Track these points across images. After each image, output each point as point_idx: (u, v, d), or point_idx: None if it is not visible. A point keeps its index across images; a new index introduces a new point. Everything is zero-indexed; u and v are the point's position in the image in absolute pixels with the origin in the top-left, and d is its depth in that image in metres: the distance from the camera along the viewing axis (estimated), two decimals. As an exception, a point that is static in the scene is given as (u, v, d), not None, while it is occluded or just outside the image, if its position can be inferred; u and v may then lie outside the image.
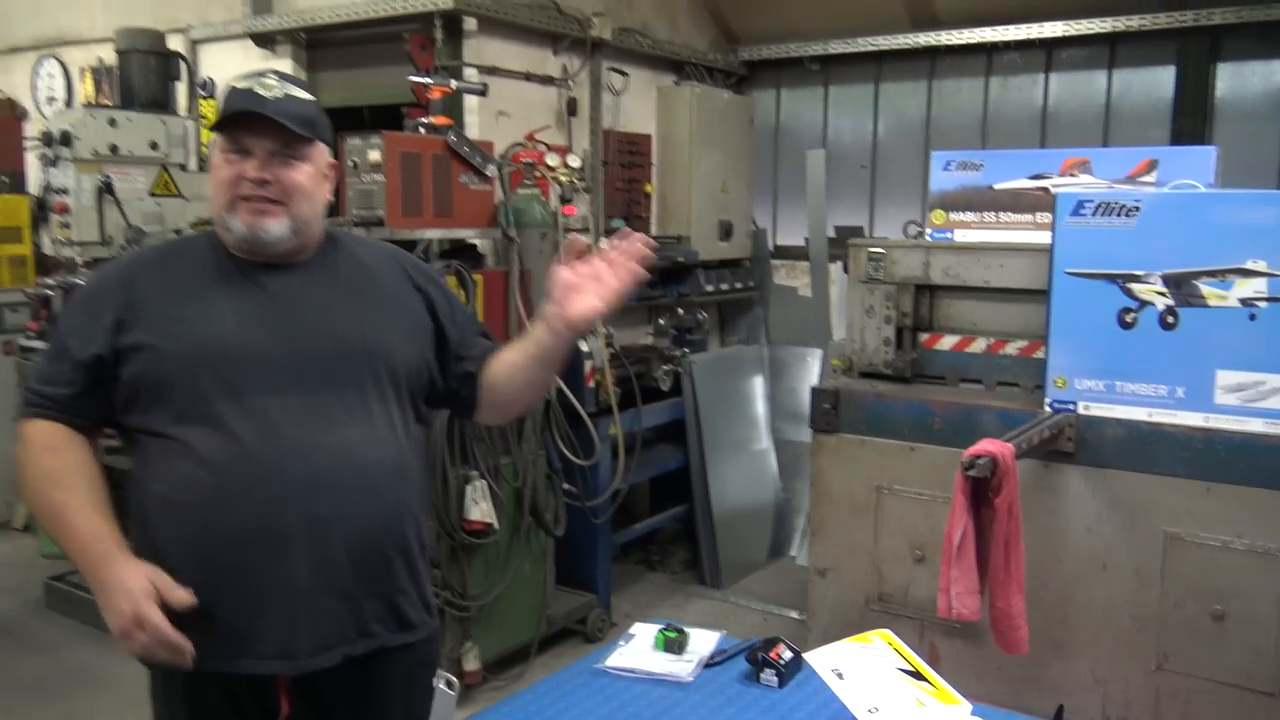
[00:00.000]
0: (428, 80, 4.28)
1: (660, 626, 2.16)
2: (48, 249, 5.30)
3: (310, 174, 1.82)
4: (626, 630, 2.23)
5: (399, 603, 1.87)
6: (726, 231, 5.94)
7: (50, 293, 5.29)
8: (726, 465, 5.34)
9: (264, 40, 5.25)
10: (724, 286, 5.88)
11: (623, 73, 5.44)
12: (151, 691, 1.94)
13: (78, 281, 5.20)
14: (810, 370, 5.88)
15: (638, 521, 5.18)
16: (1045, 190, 3.87)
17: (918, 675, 1.65)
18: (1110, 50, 5.35)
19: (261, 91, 1.77)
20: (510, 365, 1.99)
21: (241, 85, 1.80)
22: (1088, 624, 3.46)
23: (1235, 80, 5.10)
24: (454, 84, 4.30)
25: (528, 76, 4.92)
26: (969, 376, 3.91)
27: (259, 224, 1.77)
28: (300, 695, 1.81)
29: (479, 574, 3.88)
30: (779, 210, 6.52)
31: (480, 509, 3.76)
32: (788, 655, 1.99)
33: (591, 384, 4.46)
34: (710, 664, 2.06)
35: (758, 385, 5.77)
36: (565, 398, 4.28)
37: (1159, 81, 5.26)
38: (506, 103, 4.80)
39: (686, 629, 2.16)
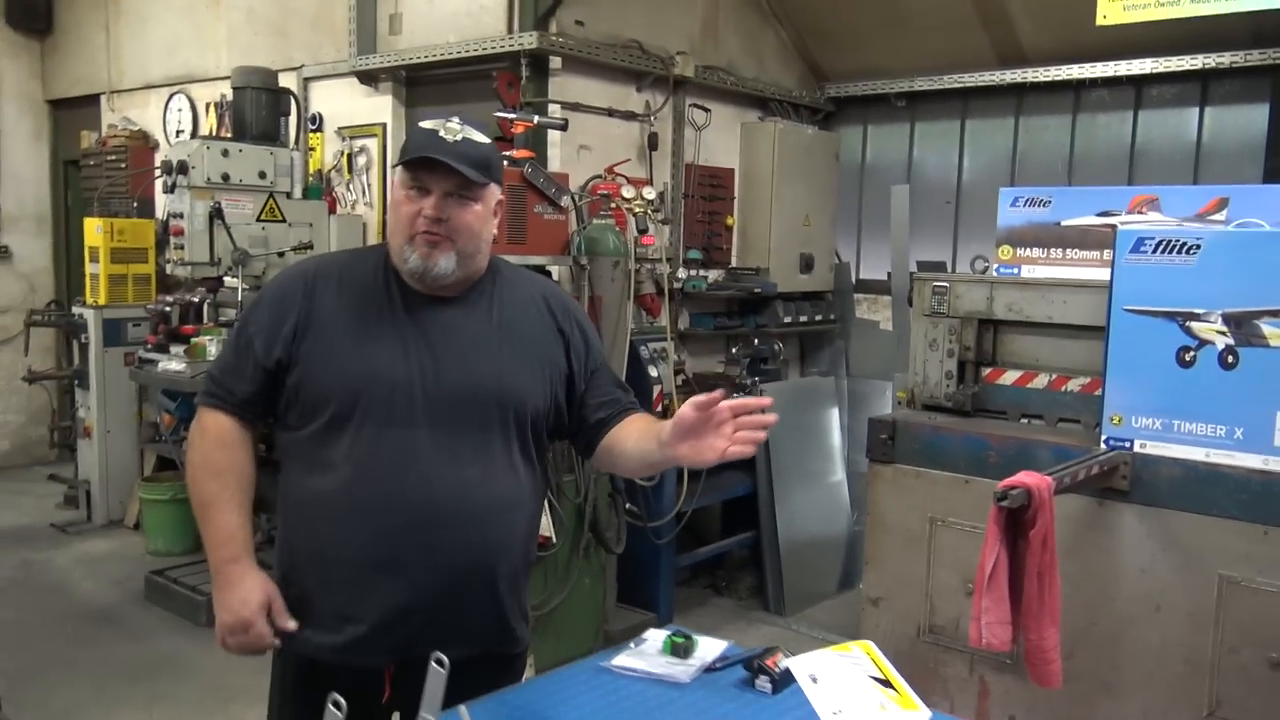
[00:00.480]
0: (512, 115, 4.51)
1: (670, 632, 2.26)
2: (170, 270, 5.73)
3: (479, 213, 1.97)
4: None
5: (503, 620, 2.08)
6: (808, 264, 6.02)
7: (168, 309, 5.72)
8: (796, 494, 5.39)
9: (368, 78, 5.60)
10: (803, 318, 5.95)
11: (705, 109, 5.59)
12: (273, 673, 2.16)
13: (193, 300, 5.62)
14: (890, 403, 5.88)
15: (706, 545, 5.26)
16: (1112, 227, 3.84)
17: (886, 683, 1.73)
18: (1202, 87, 5.26)
19: (444, 135, 1.93)
20: (624, 450, 2.10)
21: (427, 126, 1.97)
22: (1139, 666, 3.39)
23: (1334, 118, 4.96)
24: (536, 119, 4.52)
25: (610, 112, 5.12)
26: (1030, 412, 3.89)
27: (431, 258, 1.94)
28: (401, 686, 1.97)
29: (538, 585, 4.03)
30: (863, 244, 6.56)
31: (541, 524, 3.91)
32: (784, 664, 2.07)
33: (660, 408, 4.59)
34: (710, 669, 2.15)
35: (832, 417, 5.81)
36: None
37: (1252, 119, 5.14)
38: (589, 137, 5.01)
39: (695, 636, 2.25)
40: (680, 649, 2.20)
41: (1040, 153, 5.79)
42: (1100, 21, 4.06)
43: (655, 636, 2.28)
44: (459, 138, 1.94)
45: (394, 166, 2.08)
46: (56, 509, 6.84)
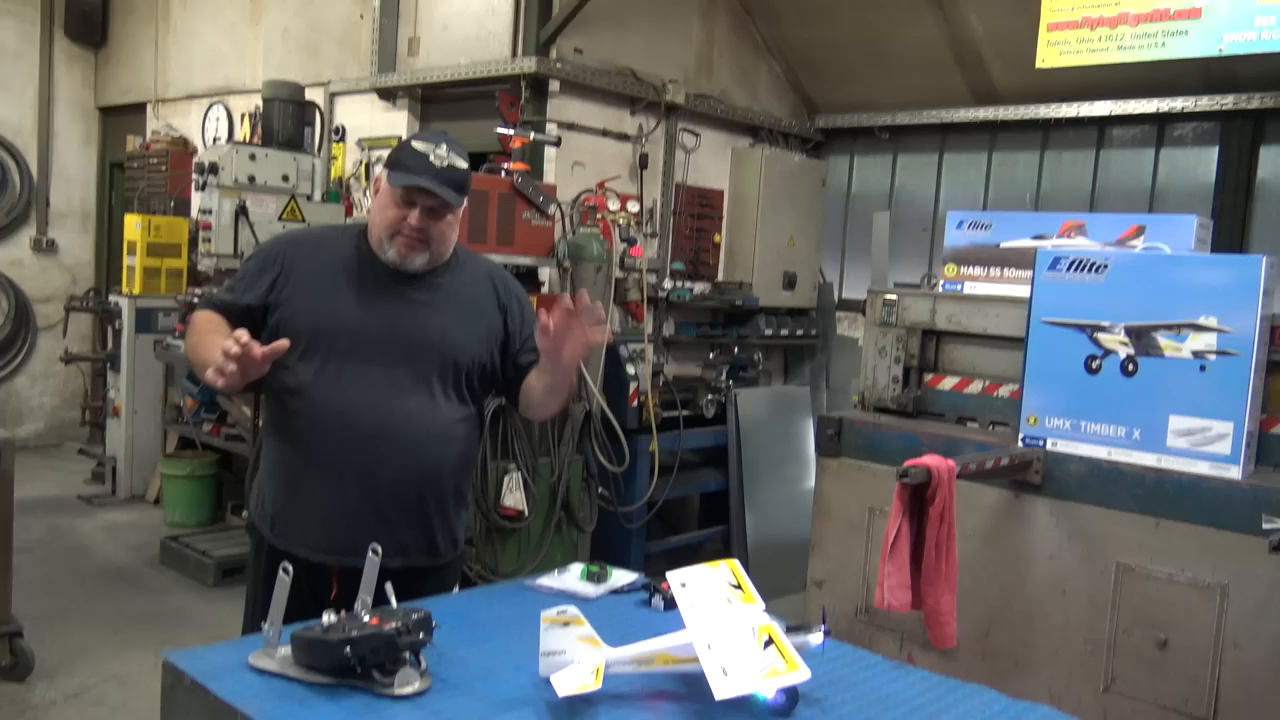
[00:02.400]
0: (510, 131, 4.96)
1: (588, 563, 2.65)
2: (201, 265, 6.20)
3: (452, 223, 2.41)
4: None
5: (432, 535, 2.47)
6: (790, 282, 6.41)
7: (196, 300, 6.19)
8: (767, 495, 5.75)
9: (387, 94, 6.09)
10: (784, 332, 6.33)
11: (695, 133, 6.03)
12: (248, 566, 2.62)
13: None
14: (860, 414, 6.23)
15: (678, 535, 5.63)
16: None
17: (738, 586, 2.11)
18: (1158, 130, 5.62)
19: (434, 160, 2.32)
20: (531, 384, 2.51)
21: (420, 148, 2.35)
22: (1047, 645, 3.71)
23: (1277, 163, 5.29)
24: (532, 135, 4.97)
25: (604, 133, 5.56)
26: (966, 415, 4.23)
27: (408, 257, 2.37)
28: (347, 587, 2.31)
29: (511, 554, 4.42)
30: (847, 266, 6.95)
31: (514, 497, 4.32)
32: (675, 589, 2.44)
33: (635, 404, 4.99)
34: (616, 591, 2.54)
35: (807, 426, 6.17)
36: (606, 413, 4.82)
37: (1204, 161, 5.50)
38: (583, 154, 5.45)
39: (610, 568, 2.64)
40: (595, 576, 2.59)
41: (1010, 186, 6.17)
42: (1039, 64, 4.44)
43: (576, 567, 2.68)
44: (446, 164, 2.34)
45: (365, 167, 2.49)
46: (84, 483, 7.35)
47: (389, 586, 1.97)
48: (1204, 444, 3.43)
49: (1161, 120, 5.58)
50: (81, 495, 7.01)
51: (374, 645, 1.80)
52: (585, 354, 2.35)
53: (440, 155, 2.33)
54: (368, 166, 6.17)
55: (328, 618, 1.88)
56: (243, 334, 2.13)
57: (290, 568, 1.91)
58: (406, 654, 1.82)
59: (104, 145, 9.14)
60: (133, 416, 6.85)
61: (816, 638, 1.98)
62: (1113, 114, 5.62)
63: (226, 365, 2.10)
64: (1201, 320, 3.42)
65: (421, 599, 2.31)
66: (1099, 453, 3.61)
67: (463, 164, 2.38)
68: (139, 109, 8.55)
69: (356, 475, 2.37)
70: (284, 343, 2.20)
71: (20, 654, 4.16)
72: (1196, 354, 3.42)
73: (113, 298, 7.02)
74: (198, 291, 6.27)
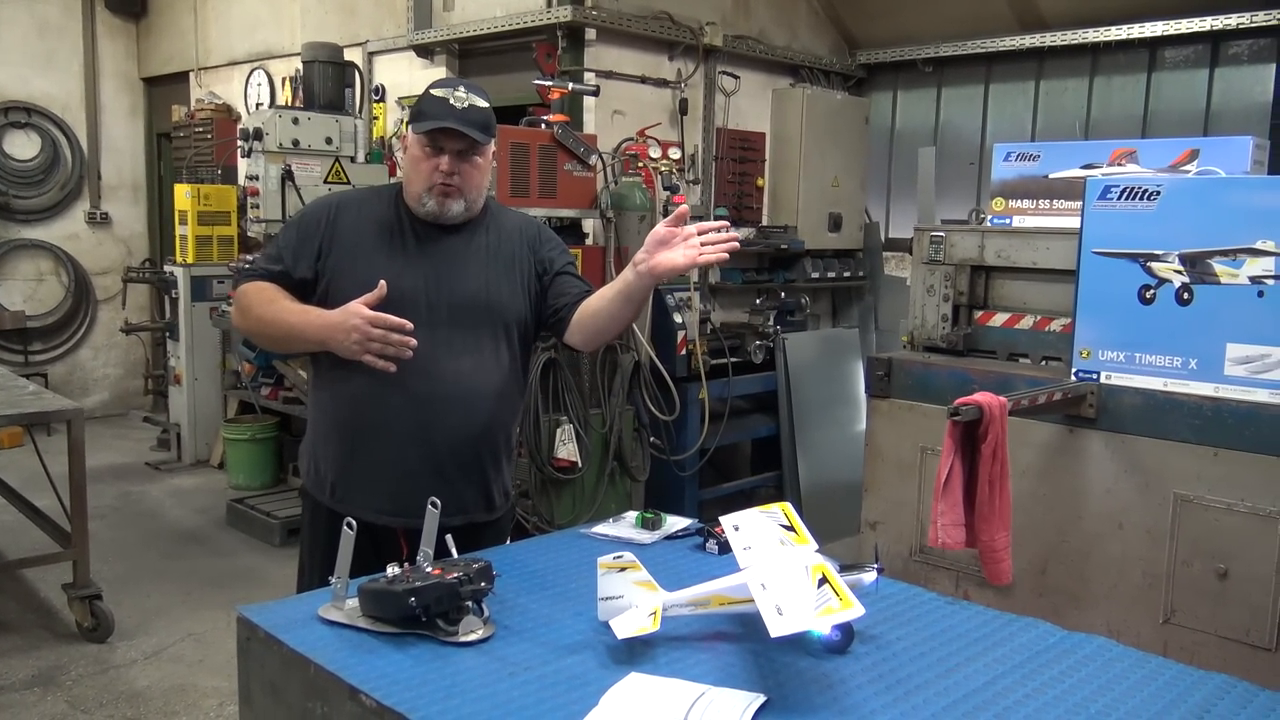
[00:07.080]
0: (549, 83, 4.94)
1: (642, 510, 2.69)
2: (251, 231, 6.30)
3: (482, 165, 2.44)
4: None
5: (489, 490, 2.53)
6: (836, 224, 6.35)
7: (249, 267, 6.29)
8: (819, 438, 5.75)
9: (424, 51, 6.08)
10: (831, 274, 6.28)
11: (735, 76, 5.95)
12: (302, 531, 2.66)
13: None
14: (908, 353, 6.19)
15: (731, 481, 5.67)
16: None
17: (790, 528, 2.13)
18: (1212, 49, 5.45)
19: (454, 103, 2.33)
20: (601, 298, 2.46)
21: (439, 94, 2.37)
22: (1104, 579, 3.70)
23: (1338, 77, 5.12)
24: (570, 86, 4.95)
25: (643, 79, 5.52)
26: (1017, 351, 4.19)
27: (445, 205, 2.39)
28: (415, 548, 2.34)
29: (566, 505, 4.49)
30: (893, 204, 6.86)
31: (567, 449, 4.37)
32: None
33: (683, 352, 5.01)
34: (670, 537, 2.57)
35: (857, 368, 6.14)
36: (655, 362, 4.85)
37: (1260, 79, 5.32)
38: (622, 102, 5.42)
39: (664, 515, 2.67)
40: (650, 522, 2.63)
41: (1059, 115, 6.02)
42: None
43: (630, 514, 2.72)
44: (466, 105, 2.34)
45: (405, 125, 2.49)
46: (151, 450, 7.58)
47: (449, 538, 2.02)
48: (1263, 371, 3.37)
49: (1215, 38, 5.40)
50: (149, 462, 7.23)
51: (437, 594, 1.85)
52: (685, 269, 2.23)
53: (460, 97, 2.34)
54: (408, 125, 6.18)
55: (392, 570, 1.94)
56: (375, 314, 2.21)
57: (354, 523, 1.96)
58: (469, 602, 1.87)
59: (150, 116, 9.26)
60: (193, 384, 7.02)
61: (870, 575, 2.00)
62: (1164, 34, 5.45)
63: (373, 338, 2.21)
64: (1259, 244, 3.35)
65: (480, 552, 2.37)
66: (1154, 384, 3.57)
67: (483, 104, 2.38)
68: (182, 78, 8.63)
69: (416, 437, 2.41)
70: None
71: (100, 616, 4.33)
72: (1254, 279, 3.35)
73: (167, 267, 7.17)
74: (248, 258, 6.36)
